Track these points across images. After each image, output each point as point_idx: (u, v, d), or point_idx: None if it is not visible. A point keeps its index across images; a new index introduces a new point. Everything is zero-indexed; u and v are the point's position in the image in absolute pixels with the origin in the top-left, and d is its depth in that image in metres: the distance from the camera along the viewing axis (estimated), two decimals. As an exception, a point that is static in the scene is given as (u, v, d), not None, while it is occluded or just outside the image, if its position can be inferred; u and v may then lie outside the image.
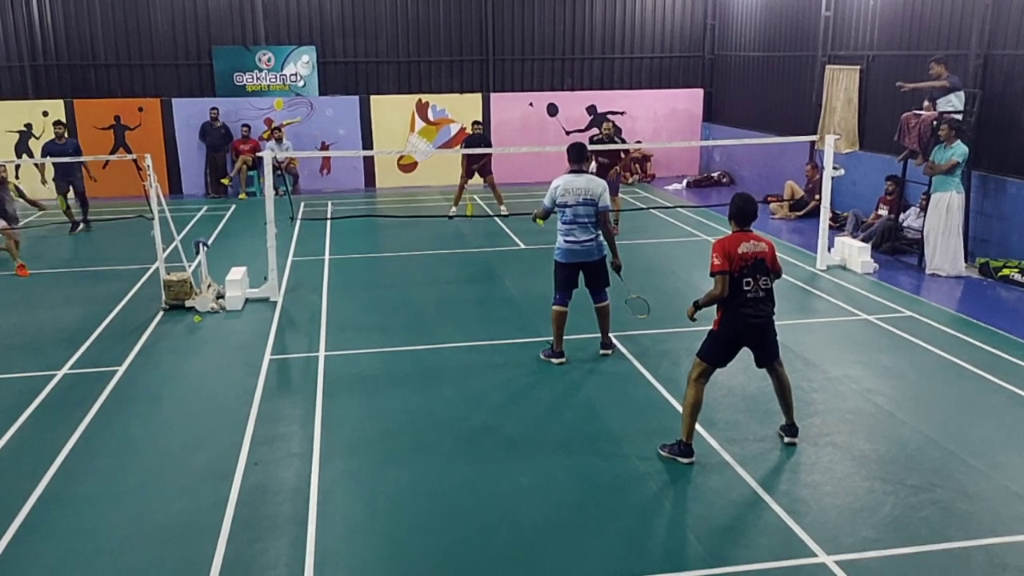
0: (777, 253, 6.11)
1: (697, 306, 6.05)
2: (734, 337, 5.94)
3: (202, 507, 5.52)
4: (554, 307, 7.97)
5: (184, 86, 18.75)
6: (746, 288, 5.81)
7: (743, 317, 5.85)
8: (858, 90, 14.35)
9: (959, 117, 11.13)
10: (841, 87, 14.78)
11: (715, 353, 5.99)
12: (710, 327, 6.05)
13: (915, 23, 12.98)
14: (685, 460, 5.97)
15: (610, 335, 8.22)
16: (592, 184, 7.78)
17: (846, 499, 5.50)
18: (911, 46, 13.04)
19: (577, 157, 7.88)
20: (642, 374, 7.68)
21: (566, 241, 7.81)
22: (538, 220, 8.16)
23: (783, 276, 6.38)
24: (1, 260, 12.16)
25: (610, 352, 8.16)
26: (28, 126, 17.68)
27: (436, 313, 9.72)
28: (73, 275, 11.72)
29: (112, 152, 17.64)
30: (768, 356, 6.10)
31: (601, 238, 7.86)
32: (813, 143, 14.92)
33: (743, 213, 5.97)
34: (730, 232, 6.04)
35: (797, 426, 6.31)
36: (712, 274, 5.85)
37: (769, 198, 15.58)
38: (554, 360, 7.98)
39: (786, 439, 6.27)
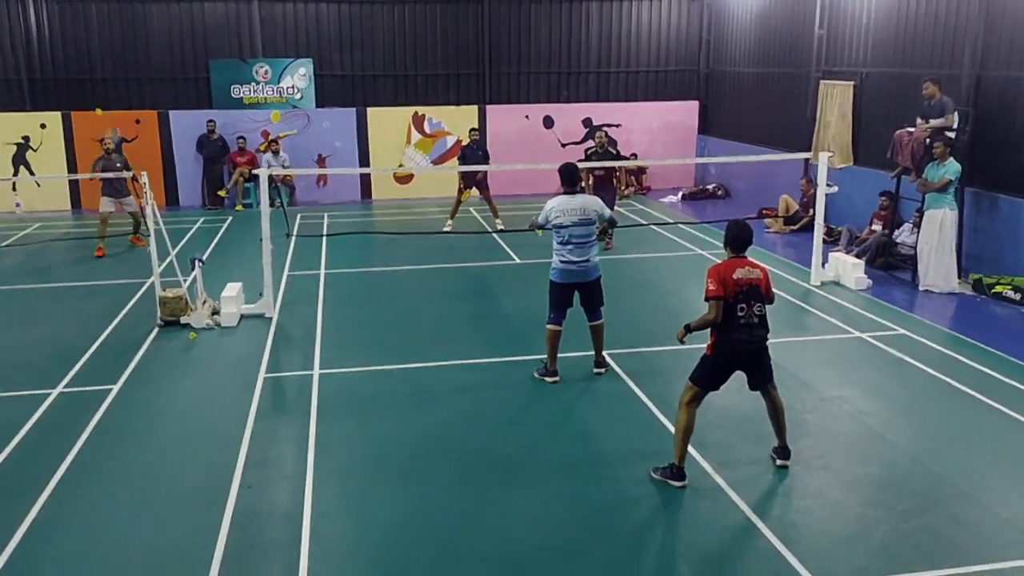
0: (771, 270, 6.14)
1: (688, 329, 6.06)
2: (727, 362, 5.97)
3: (194, 532, 5.52)
4: (548, 326, 7.99)
5: (181, 99, 18.78)
6: (740, 314, 5.84)
7: (736, 342, 5.88)
8: (852, 106, 14.42)
9: (952, 135, 11.18)
10: (835, 102, 14.84)
11: (708, 377, 6.02)
12: (703, 350, 6.08)
13: (908, 41, 13.04)
14: (677, 484, 5.99)
15: (604, 354, 8.25)
16: (589, 203, 7.82)
17: (838, 525, 5.52)
18: (904, 64, 13.10)
19: (570, 179, 7.91)
20: (635, 394, 7.71)
21: (561, 261, 7.83)
22: (537, 230, 8.22)
23: (777, 294, 6.40)
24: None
25: (604, 371, 8.19)
26: (25, 138, 17.70)
27: (431, 329, 9.75)
28: (69, 290, 11.72)
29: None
30: (762, 381, 6.14)
31: (596, 258, 7.90)
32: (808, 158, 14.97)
33: (739, 240, 6.02)
34: (726, 257, 6.08)
35: (790, 448, 6.33)
36: (707, 299, 5.89)
37: (764, 211, 15.65)
38: (548, 379, 8.01)
39: (778, 461, 6.30)
